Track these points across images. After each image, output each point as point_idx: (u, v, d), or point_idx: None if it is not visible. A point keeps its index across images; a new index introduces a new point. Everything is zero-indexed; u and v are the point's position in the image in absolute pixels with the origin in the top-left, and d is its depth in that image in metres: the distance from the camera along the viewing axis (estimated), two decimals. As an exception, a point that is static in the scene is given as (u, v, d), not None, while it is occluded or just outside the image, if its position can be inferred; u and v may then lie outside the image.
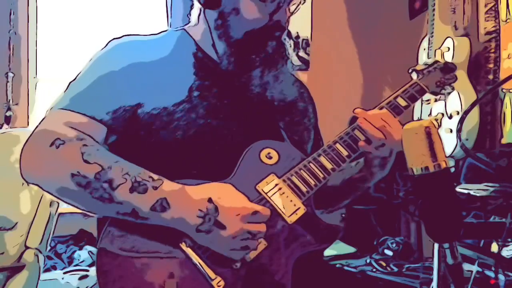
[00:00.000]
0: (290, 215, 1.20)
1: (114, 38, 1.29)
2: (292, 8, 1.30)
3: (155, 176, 1.12)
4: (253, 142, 1.24)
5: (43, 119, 1.20)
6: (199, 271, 1.13)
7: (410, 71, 1.45)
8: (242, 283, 1.15)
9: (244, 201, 1.15)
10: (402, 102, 1.35)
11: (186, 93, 1.24)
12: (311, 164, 1.24)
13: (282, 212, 1.19)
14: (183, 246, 1.13)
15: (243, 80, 1.29)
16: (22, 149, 1.15)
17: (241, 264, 1.15)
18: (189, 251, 1.13)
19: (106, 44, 1.29)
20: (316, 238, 1.22)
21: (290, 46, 1.33)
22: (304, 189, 1.22)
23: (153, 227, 1.12)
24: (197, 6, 1.34)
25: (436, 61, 1.48)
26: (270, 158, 1.24)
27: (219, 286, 1.12)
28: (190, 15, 1.38)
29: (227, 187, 1.16)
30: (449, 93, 1.47)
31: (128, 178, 1.10)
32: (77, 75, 1.26)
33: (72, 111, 1.17)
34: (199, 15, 1.34)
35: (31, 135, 1.16)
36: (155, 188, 1.11)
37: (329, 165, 1.25)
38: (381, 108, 1.33)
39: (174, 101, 1.22)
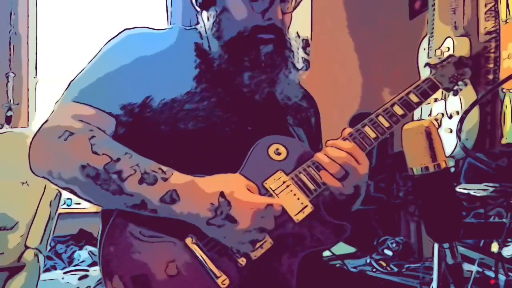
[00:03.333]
0: (297, 214, 1.19)
1: (126, 29, 1.29)
2: (293, 3, 1.29)
3: (165, 168, 1.12)
4: (261, 137, 1.22)
5: (52, 112, 1.19)
6: (204, 268, 1.12)
7: (424, 65, 1.41)
8: (247, 281, 1.14)
9: (255, 194, 1.14)
10: (414, 98, 1.30)
11: (195, 85, 1.24)
12: (306, 171, 1.22)
13: (289, 210, 1.18)
14: (188, 242, 1.13)
15: (237, 79, 1.28)
16: (30, 143, 1.15)
17: (246, 262, 1.14)
18: (194, 247, 1.13)
19: (118, 34, 1.28)
20: (323, 237, 1.21)
21: (298, 48, 1.31)
22: (311, 187, 1.20)
23: (162, 218, 1.12)
24: None
25: (450, 55, 1.44)
26: (279, 154, 1.22)
27: (224, 284, 1.12)
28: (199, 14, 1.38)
29: (237, 178, 1.15)
30: (461, 90, 1.43)
31: (138, 169, 1.10)
32: (88, 63, 1.25)
33: (81, 103, 1.17)
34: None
35: (39, 128, 1.16)
36: (165, 179, 1.10)
37: (318, 178, 1.22)
38: (392, 105, 1.28)
39: (183, 93, 1.22)
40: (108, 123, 1.18)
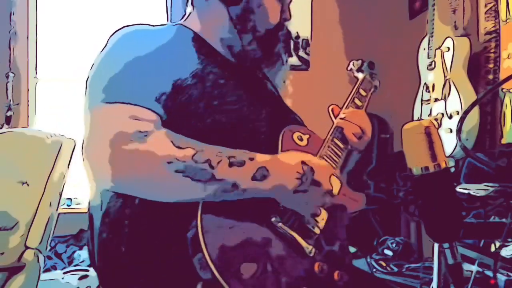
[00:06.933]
0: None
1: (116, 30, 1.29)
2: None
3: (246, 151, 1.15)
4: (276, 128, 1.31)
5: (91, 120, 1.15)
6: (293, 244, 1.17)
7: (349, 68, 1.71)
8: (323, 248, 1.23)
9: (322, 160, 1.29)
10: (358, 101, 1.55)
11: (220, 79, 1.29)
12: (331, 143, 1.37)
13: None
14: (275, 222, 1.16)
15: (250, 73, 1.39)
16: (95, 160, 1.10)
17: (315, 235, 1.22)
18: (283, 226, 1.17)
19: (111, 36, 1.27)
20: (353, 204, 1.34)
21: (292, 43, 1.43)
22: (337, 159, 1.35)
23: (236, 207, 1.13)
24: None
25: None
26: (301, 140, 1.34)
27: (311, 254, 1.19)
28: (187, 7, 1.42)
29: (303, 152, 1.25)
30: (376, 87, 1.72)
31: (222, 155, 1.11)
32: (102, 60, 1.23)
33: (129, 103, 1.13)
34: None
35: (88, 143, 1.11)
36: (252, 159, 1.14)
37: (341, 145, 1.39)
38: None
39: (208, 87, 1.25)
40: (158, 121, 1.16)
